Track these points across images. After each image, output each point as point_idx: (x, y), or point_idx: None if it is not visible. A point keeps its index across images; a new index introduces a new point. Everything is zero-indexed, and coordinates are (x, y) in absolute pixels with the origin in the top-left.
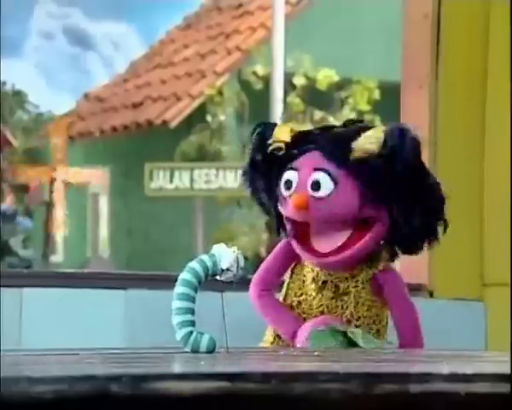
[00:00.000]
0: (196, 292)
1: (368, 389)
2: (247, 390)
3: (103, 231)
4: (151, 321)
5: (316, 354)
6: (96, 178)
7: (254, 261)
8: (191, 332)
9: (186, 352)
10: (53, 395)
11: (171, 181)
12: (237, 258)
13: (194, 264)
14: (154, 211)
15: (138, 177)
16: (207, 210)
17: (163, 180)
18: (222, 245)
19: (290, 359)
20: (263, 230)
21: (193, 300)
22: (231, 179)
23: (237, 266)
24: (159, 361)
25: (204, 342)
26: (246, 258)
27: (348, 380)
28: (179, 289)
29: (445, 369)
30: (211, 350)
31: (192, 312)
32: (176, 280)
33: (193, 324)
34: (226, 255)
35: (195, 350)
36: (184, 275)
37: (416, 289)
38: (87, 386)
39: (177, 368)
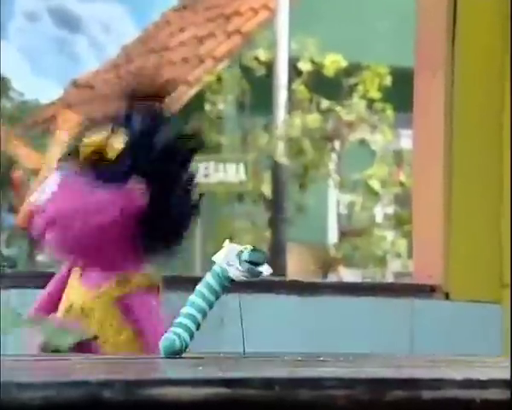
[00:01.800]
0: (209, 303)
1: (376, 395)
2: (248, 397)
3: None
4: None
5: (321, 359)
6: None
7: None
8: (169, 333)
9: (182, 357)
10: (41, 401)
11: None
12: (240, 253)
13: (207, 275)
14: None
15: None
16: (206, 206)
17: None
18: (226, 243)
19: (294, 364)
20: (265, 227)
21: (200, 310)
22: (232, 173)
23: (239, 262)
24: (154, 366)
25: (160, 343)
26: (256, 250)
27: (355, 386)
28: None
29: (458, 374)
30: (166, 352)
31: (190, 317)
32: (170, 281)
33: (183, 327)
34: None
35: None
36: (198, 286)
37: (430, 290)
38: (78, 392)
39: (173, 373)
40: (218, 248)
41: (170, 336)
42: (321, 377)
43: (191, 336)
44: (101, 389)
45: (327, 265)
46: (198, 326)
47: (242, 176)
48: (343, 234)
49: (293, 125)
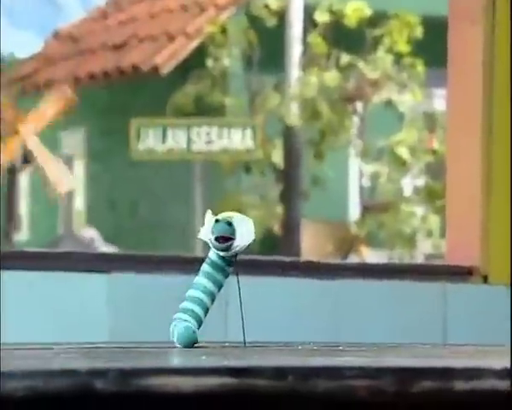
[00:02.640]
0: (217, 284)
1: (402, 386)
2: (257, 388)
3: (79, 203)
4: (138, 310)
5: (340, 348)
6: (70, 137)
7: (266, 240)
8: (175, 319)
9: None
10: (25, 391)
11: (163, 141)
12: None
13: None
14: (142, 178)
15: (122, 136)
16: (208, 177)
17: (153, 140)
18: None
19: (309, 353)
20: (276, 201)
21: (204, 289)
22: (237, 139)
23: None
24: (151, 355)
25: (175, 333)
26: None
27: (380, 376)
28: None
29: (496, 364)
30: (181, 342)
31: (198, 301)
32: (169, 261)
33: (192, 314)
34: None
35: (173, 342)
36: (203, 266)
37: (466, 273)
38: (66, 382)
39: (173, 362)
40: None
41: (187, 326)
42: (339, 366)
43: (200, 323)
44: (93, 378)
45: (347, 244)
46: (206, 311)
47: (250, 143)
48: (366, 210)
49: (308, 84)
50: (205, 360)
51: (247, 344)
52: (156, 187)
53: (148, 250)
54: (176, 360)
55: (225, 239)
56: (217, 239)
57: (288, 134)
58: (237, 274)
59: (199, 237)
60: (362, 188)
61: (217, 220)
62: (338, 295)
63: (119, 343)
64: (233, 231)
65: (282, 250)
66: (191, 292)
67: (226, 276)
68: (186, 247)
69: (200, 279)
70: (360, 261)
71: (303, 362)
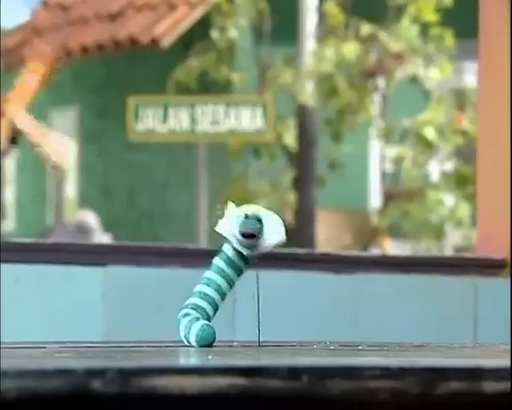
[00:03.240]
0: (229, 281)
1: (428, 387)
2: (270, 389)
3: (70, 190)
4: (137, 307)
5: (360, 347)
6: (60, 117)
7: None
8: (186, 315)
9: (186, 345)
10: (18, 392)
11: (163, 121)
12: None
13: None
14: (140, 163)
15: (118, 115)
16: (214, 162)
17: (153, 120)
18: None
19: (326, 352)
20: (289, 188)
21: (217, 288)
22: (246, 119)
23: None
24: (152, 354)
25: (194, 330)
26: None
27: (402, 377)
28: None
29: None
30: (203, 342)
31: (208, 298)
32: (170, 253)
33: (202, 313)
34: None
35: (187, 341)
36: (214, 260)
37: (498, 266)
38: (61, 382)
39: (177, 361)
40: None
41: (207, 324)
42: (358, 366)
43: (208, 321)
44: (89, 378)
45: (368, 236)
46: (216, 312)
47: (259, 123)
48: (388, 197)
49: (324, 58)
50: (212, 360)
51: (260, 343)
52: (156, 172)
53: (148, 241)
54: (180, 360)
55: (251, 236)
56: (243, 235)
57: (302, 113)
58: (257, 275)
59: (216, 229)
60: (384, 173)
61: (246, 216)
62: (357, 291)
63: (116, 342)
64: (261, 229)
65: (296, 242)
66: (203, 288)
67: (240, 275)
68: (189, 238)
69: (214, 276)
70: (381, 254)
71: (318, 362)
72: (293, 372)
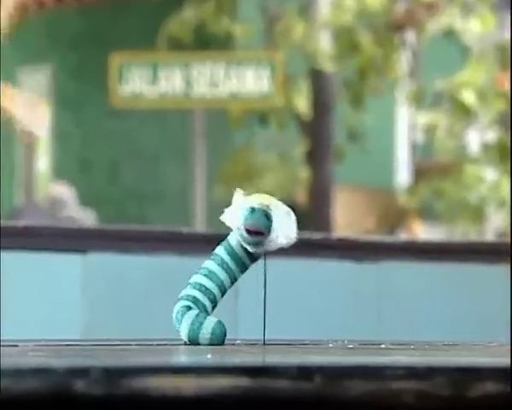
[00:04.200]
0: (231, 274)
1: (459, 389)
2: (278, 391)
3: (43, 163)
4: (121, 299)
5: (383, 346)
6: (31, 77)
7: None
8: (188, 308)
9: (179, 343)
10: None
11: (152, 83)
12: (265, 214)
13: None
14: (125, 132)
15: (99, 77)
16: (212, 131)
17: (140, 82)
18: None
19: (343, 351)
20: (301, 162)
21: (219, 283)
22: (250, 81)
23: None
24: (142, 352)
25: (209, 326)
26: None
27: (429, 377)
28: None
29: None
30: (217, 340)
31: (209, 294)
32: (160, 238)
33: (202, 309)
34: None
35: (193, 337)
36: (218, 248)
37: None
38: (40, 383)
39: (172, 359)
40: (230, 196)
41: (220, 321)
42: (378, 365)
43: (207, 314)
44: (71, 378)
45: (394, 218)
46: (215, 306)
47: (266, 86)
48: (419, 173)
49: (343, 8)
50: (211, 358)
51: (266, 342)
52: (144, 143)
53: (134, 224)
54: (174, 358)
55: (257, 233)
56: (248, 231)
57: (317, 74)
58: (264, 263)
59: (222, 219)
60: (413, 145)
61: (252, 209)
62: (381, 282)
63: (98, 341)
64: (270, 226)
65: (310, 225)
66: (203, 280)
67: (243, 271)
68: (183, 220)
69: (215, 268)
70: (410, 239)
71: (333, 360)
72: (304, 372)
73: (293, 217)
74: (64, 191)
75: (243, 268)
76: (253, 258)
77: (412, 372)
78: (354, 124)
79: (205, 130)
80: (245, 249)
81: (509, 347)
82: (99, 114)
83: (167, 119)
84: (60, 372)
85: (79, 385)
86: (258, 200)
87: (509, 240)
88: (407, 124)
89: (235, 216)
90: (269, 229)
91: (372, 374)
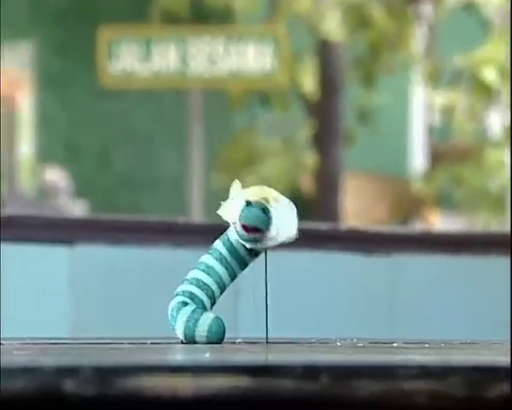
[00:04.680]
0: (230, 270)
1: (475, 390)
2: (282, 391)
3: (26, 149)
4: (112, 295)
5: (395, 345)
6: (12, 54)
7: (293, 200)
8: (184, 304)
9: (174, 342)
10: None
11: (145, 61)
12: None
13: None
14: (116, 114)
15: (87, 53)
16: (211, 113)
17: (131, 59)
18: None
19: (353, 350)
20: (307, 146)
21: (218, 279)
22: (252, 57)
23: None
24: (135, 351)
25: (205, 323)
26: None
27: (444, 377)
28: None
29: None
30: (215, 337)
31: (207, 289)
32: (154, 229)
33: (200, 305)
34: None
35: (189, 335)
36: (216, 243)
37: None
38: (27, 382)
39: (168, 358)
40: (229, 183)
41: (218, 317)
42: (391, 364)
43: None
44: (60, 378)
45: (408, 207)
46: (213, 303)
47: (269, 63)
48: (435, 157)
49: None
50: (210, 357)
51: (269, 341)
52: (136, 126)
53: (126, 214)
54: (170, 356)
55: (253, 230)
56: (244, 227)
57: (325, 50)
58: (266, 255)
59: (219, 213)
60: (430, 127)
61: (248, 203)
62: (394, 276)
63: (88, 339)
64: (268, 222)
65: (316, 215)
66: (201, 276)
67: (244, 267)
68: (179, 209)
69: (214, 263)
70: (425, 230)
71: (341, 359)
72: (310, 371)
73: (294, 211)
74: (58, 178)
75: (243, 265)
76: (253, 254)
77: (425, 372)
78: (365, 104)
79: (202, 111)
80: (244, 245)
81: None
82: (87, 94)
83: (161, 99)
84: (48, 372)
85: (69, 385)
86: (256, 193)
87: None
88: (423, 104)
89: (233, 210)
90: (267, 225)
91: (382, 374)
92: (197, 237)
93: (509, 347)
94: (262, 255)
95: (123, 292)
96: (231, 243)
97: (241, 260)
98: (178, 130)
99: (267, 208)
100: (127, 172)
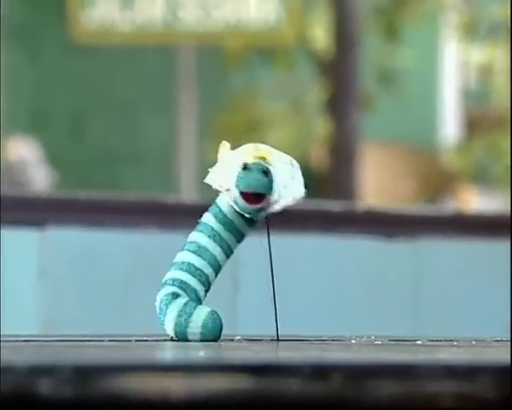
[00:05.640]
0: (225, 247)
1: (505, 391)
2: (288, 393)
3: None
4: (89, 285)
5: (419, 343)
6: None
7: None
8: (175, 296)
9: (163, 339)
10: None
11: (126, 8)
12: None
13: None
14: (92, 75)
15: (58, 2)
16: (203, 72)
17: (109, 9)
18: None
19: (369, 348)
20: (318, 111)
21: (212, 260)
22: (253, 5)
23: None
24: (118, 349)
25: (199, 318)
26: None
27: (472, 377)
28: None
29: None
30: (210, 334)
31: (200, 275)
32: (135, 209)
33: (192, 295)
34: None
35: (180, 332)
36: (205, 216)
37: None
38: None
39: (158, 356)
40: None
41: (216, 316)
42: (412, 364)
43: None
44: (35, 378)
45: (437, 182)
46: (208, 289)
47: (273, 13)
48: (471, 125)
49: None
50: (205, 356)
51: (274, 338)
52: (116, 89)
53: (105, 192)
54: (160, 355)
55: (254, 197)
56: (243, 195)
57: None
58: (268, 237)
59: (206, 181)
60: (464, 89)
61: (245, 166)
62: (418, 263)
63: (62, 336)
64: (270, 185)
65: (329, 193)
66: (191, 258)
67: (241, 239)
68: (166, 186)
69: (205, 241)
70: (456, 211)
71: (354, 358)
72: (320, 371)
73: (297, 167)
74: (25, 150)
75: (240, 237)
76: (251, 223)
77: (451, 371)
78: (387, 62)
79: (194, 72)
80: (240, 213)
81: None
82: (57, 50)
83: (146, 57)
84: (20, 372)
85: (44, 386)
86: (251, 153)
87: None
88: (455, 63)
89: (225, 176)
90: (269, 189)
91: (401, 373)
92: (188, 219)
93: None
94: (262, 226)
95: (102, 282)
96: (224, 215)
97: (237, 232)
98: (165, 93)
99: (268, 169)
100: (105, 143)
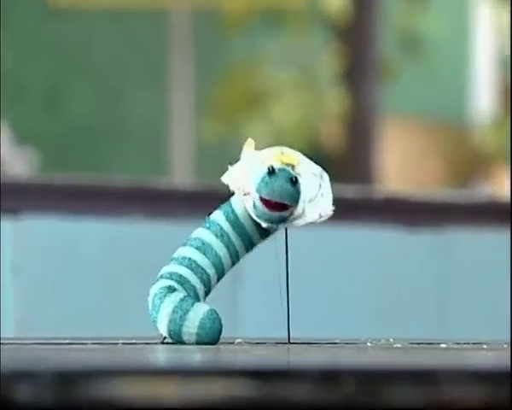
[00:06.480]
0: (234, 256)
1: None
2: (294, 400)
3: None
4: (69, 281)
5: (444, 346)
6: None
7: (313, 155)
8: (171, 290)
9: (154, 341)
10: None
11: None
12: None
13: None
14: (71, 41)
15: None
16: (199, 38)
17: None
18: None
19: (386, 351)
20: (331, 82)
21: (216, 260)
22: None
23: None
24: (104, 352)
25: (196, 316)
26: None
27: (498, 382)
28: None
29: None
30: (208, 335)
31: (201, 273)
32: (121, 196)
33: (192, 293)
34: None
35: (174, 331)
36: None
37: None
38: None
39: (148, 359)
40: (225, 134)
41: (215, 315)
42: (431, 367)
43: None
44: (12, 384)
45: (469, 164)
46: (208, 291)
47: None
48: (507, 98)
49: None
50: (201, 359)
51: (279, 341)
52: (98, 58)
53: (86, 175)
54: (150, 357)
55: (278, 206)
56: (266, 202)
57: None
58: (287, 251)
59: (223, 180)
60: (499, 58)
61: (271, 171)
62: (444, 256)
63: (39, 338)
64: (296, 196)
65: (344, 175)
66: (194, 254)
67: (250, 249)
68: (156, 168)
69: (211, 239)
70: (488, 196)
71: (368, 361)
72: (330, 375)
73: (327, 180)
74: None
75: (249, 245)
76: (264, 233)
77: (475, 376)
78: (411, 27)
79: (188, 38)
80: (254, 221)
81: None
82: (32, 13)
83: (132, 22)
84: None
85: (23, 392)
86: (277, 156)
87: None
88: (489, 28)
89: (245, 177)
90: (296, 200)
91: (420, 378)
92: (182, 207)
93: None
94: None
95: (83, 278)
96: (236, 217)
97: (247, 239)
98: (156, 63)
99: (296, 178)
100: (86, 119)
